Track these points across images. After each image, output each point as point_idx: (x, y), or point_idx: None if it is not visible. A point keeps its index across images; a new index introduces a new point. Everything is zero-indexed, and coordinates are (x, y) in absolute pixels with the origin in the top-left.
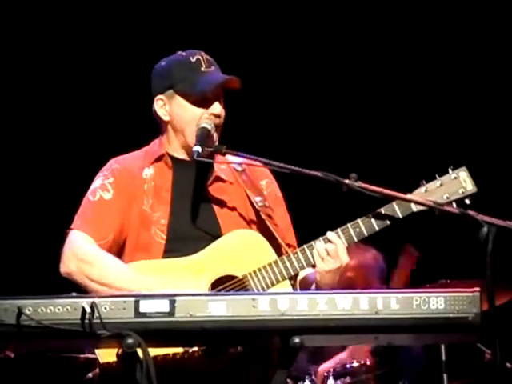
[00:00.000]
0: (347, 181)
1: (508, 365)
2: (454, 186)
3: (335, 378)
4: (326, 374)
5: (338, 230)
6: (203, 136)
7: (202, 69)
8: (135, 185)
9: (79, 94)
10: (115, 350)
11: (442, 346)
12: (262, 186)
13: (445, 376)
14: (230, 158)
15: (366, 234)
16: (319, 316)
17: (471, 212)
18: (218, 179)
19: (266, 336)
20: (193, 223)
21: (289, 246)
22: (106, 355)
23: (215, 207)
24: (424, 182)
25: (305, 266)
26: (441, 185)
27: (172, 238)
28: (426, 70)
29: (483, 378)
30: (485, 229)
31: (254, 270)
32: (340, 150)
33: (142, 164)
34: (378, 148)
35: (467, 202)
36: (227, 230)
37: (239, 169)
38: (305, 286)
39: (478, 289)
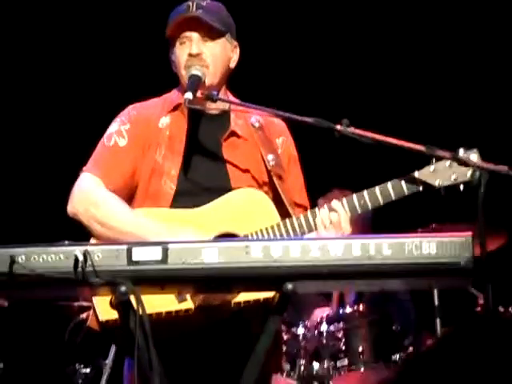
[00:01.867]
0: (339, 126)
1: (500, 308)
2: (463, 167)
3: (328, 323)
4: (319, 319)
5: (344, 199)
6: (193, 83)
7: (186, 12)
8: (150, 133)
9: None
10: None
11: (435, 292)
12: (278, 143)
13: (438, 321)
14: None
15: (370, 206)
16: (312, 262)
17: (463, 156)
18: (234, 134)
19: (259, 283)
20: (203, 177)
21: (299, 206)
22: (105, 312)
23: (227, 163)
24: (434, 160)
25: (306, 231)
26: (450, 165)
27: (181, 189)
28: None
29: (476, 323)
30: (477, 173)
31: (255, 231)
32: (339, 98)
33: (160, 112)
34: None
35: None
36: (237, 186)
37: (256, 125)
38: None
39: (469, 233)
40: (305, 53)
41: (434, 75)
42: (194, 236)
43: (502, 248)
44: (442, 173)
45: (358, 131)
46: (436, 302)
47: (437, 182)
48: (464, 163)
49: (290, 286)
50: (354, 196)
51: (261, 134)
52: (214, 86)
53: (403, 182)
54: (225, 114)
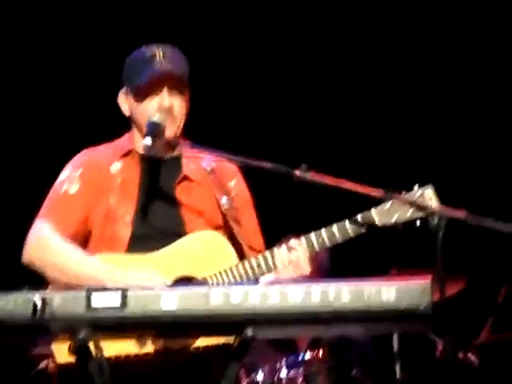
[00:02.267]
0: (297, 172)
1: (460, 354)
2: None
3: (288, 369)
4: (278, 365)
5: (302, 237)
6: (152, 130)
7: (154, 62)
8: (102, 179)
9: (52, 87)
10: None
11: (395, 336)
12: (230, 186)
13: (397, 366)
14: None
15: (328, 244)
16: (271, 308)
17: (422, 201)
18: (186, 178)
19: (219, 329)
20: (158, 221)
21: (253, 250)
22: (63, 356)
23: (182, 207)
24: (390, 196)
25: (265, 272)
26: (406, 201)
27: (136, 234)
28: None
29: (435, 368)
30: (436, 218)
31: (214, 273)
32: (298, 141)
33: (111, 158)
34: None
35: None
36: (192, 230)
37: (208, 168)
38: None
39: (428, 278)
40: (261, 95)
41: (385, 114)
42: (151, 280)
43: (461, 293)
44: (398, 209)
45: (316, 177)
46: (396, 347)
47: (393, 219)
48: (423, 208)
49: (249, 331)
50: (312, 234)
51: (213, 178)
52: (176, 137)
53: (360, 220)
54: (176, 158)
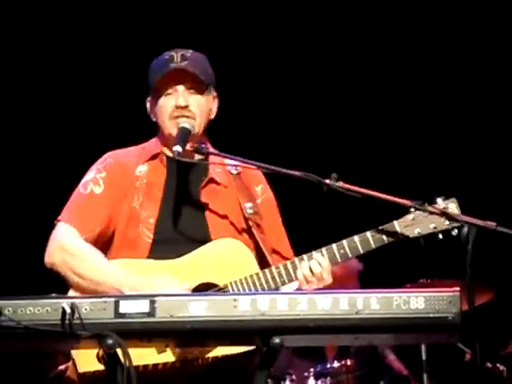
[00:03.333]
0: (328, 181)
1: (488, 364)
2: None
3: (316, 379)
4: (306, 374)
5: (323, 249)
6: (183, 135)
7: (172, 63)
8: (127, 181)
9: (80, 90)
10: (93, 359)
11: (423, 346)
12: (257, 191)
13: (425, 376)
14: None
15: (350, 255)
16: (299, 316)
17: (452, 212)
18: (212, 181)
19: (247, 336)
20: (181, 225)
21: (283, 257)
22: (85, 364)
23: (206, 211)
24: (413, 209)
25: (286, 281)
26: (429, 214)
27: (159, 238)
28: (419, 71)
29: (463, 378)
30: (465, 229)
31: (235, 281)
32: (325, 151)
33: (137, 161)
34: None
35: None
36: (216, 235)
37: (234, 172)
38: None
39: (457, 289)
40: (290, 105)
41: (420, 128)
42: (171, 287)
43: (490, 303)
44: (420, 221)
45: (346, 186)
46: (424, 357)
47: (416, 231)
48: (453, 219)
49: (277, 340)
50: (334, 245)
51: (238, 182)
52: (198, 136)
53: (382, 231)
54: (203, 162)
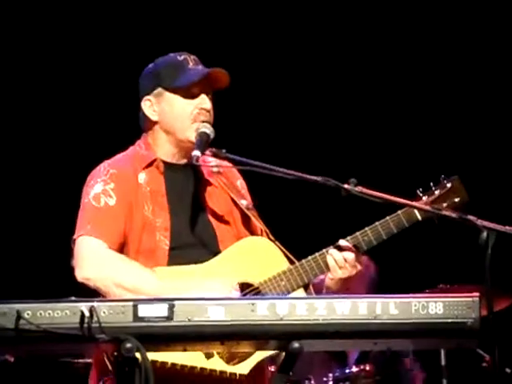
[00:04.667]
0: (346, 186)
1: (507, 370)
2: (449, 195)
3: (335, 382)
4: (325, 379)
5: (348, 238)
6: (202, 141)
7: (189, 66)
8: (134, 190)
9: (66, 97)
10: None
11: (442, 351)
12: (239, 186)
13: (444, 381)
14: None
15: (374, 242)
16: (318, 321)
17: (471, 217)
18: (208, 183)
19: (266, 341)
20: (192, 230)
21: None
22: None
23: (208, 212)
24: (421, 190)
25: (318, 273)
26: (439, 194)
27: (175, 245)
28: (426, 74)
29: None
30: (484, 234)
31: (269, 278)
32: (340, 156)
33: (135, 168)
34: (376, 154)
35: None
36: (221, 236)
37: (215, 170)
38: (317, 292)
39: (477, 294)
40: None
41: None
42: (220, 287)
43: (509, 308)
44: (434, 202)
45: (365, 190)
46: (443, 362)
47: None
48: (473, 225)
49: (296, 344)
50: (358, 233)
51: (224, 180)
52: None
53: (401, 215)
54: (193, 164)
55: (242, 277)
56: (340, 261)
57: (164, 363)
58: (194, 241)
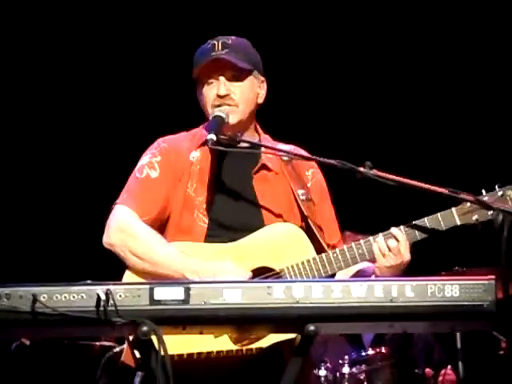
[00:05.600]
0: (362, 168)
1: None
2: (499, 203)
3: (350, 366)
4: (341, 361)
5: (401, 227)
6: (216, 124)
7: (212, 53)
8: (182, 166)
9: (129, 76)
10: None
11: (458, 334)
12: (308, 176)
13: (460, 364)
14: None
15: (427, 233)
16: (334, 304)
17: (487, 200)
18: (264, 167)
19: (281, 323)
20: (235, 211)
21: (329, 243)
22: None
23: (259, 196)
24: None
25: (343, 266)
26: (471, 206)
27: (214, 223)
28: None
29: (498, 366)
30: (500, 216)
31: (291, 265)
32: (357, 140)
33: (190, 146)
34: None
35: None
36: (269, 221)
37: (285, 158)
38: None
39: (493, 277)
40: (328, 94)
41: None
42: (232, 270)
43: None
44: (477, 209)
45: (380, 173)
46: (459, 345)
47: (474, 218)
48: (487, 206)
49: (312, 327)
50: (414, 223)
51: (290, 168)
52: (242, 123)
53: (440, 218)
54: (255, 148)
55: (266, 261)
56: (383, 249)
57: (180, 355)
58: (235, 223)
